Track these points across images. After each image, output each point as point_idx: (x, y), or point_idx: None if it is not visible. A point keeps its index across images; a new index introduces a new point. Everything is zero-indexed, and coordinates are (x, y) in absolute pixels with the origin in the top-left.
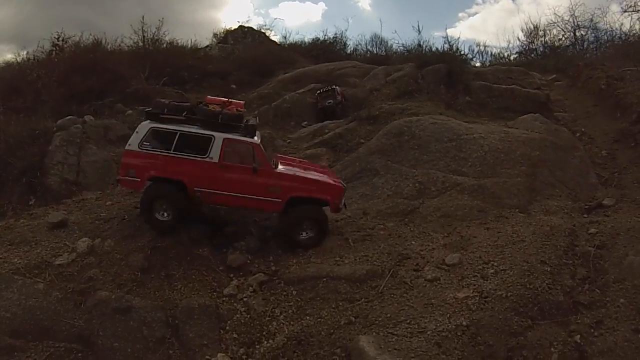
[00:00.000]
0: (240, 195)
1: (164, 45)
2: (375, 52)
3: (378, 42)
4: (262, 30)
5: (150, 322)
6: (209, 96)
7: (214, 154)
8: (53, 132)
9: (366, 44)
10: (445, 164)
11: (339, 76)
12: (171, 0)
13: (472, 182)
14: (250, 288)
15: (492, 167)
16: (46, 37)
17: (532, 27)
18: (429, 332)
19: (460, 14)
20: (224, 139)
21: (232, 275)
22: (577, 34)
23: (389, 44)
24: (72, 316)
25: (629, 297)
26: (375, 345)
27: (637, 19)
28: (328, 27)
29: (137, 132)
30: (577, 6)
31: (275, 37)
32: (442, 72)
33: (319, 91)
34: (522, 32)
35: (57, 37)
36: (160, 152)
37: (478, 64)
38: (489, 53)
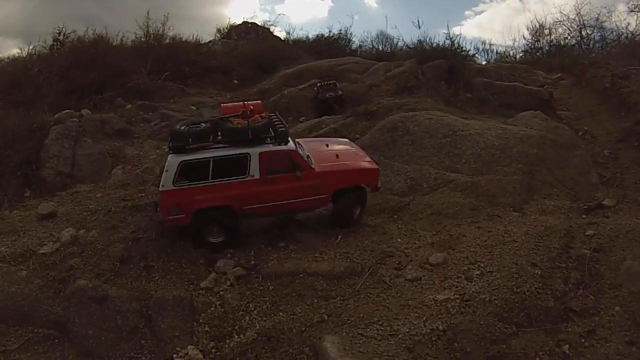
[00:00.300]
0: (288, 202)
1: (167, 40)
2: (380, 48)
3: (383, 38)
4: (266, 26)
5: (124, 312)
6: (223, 104)
7: (254, 171)
8: (50, 125)
9: (372, 40)
10: (438, 160)
11: (341, 72)
12: None
13: (466, 179)
14: (228, 282)
15: (488, 164)
16: (51, 32)
17: (537, 25)
18: (400, 335)
19: (467, 12)
20: (260, 153)
21: (211, 268)
22: (583, 33)
23: (395, 41)
24: (52, 303)
25: (625, 305)
26: (339, 346)
27: None
28: (334, 23)
29: (166, 170)
30: (583, 5)
31: (280, 33)
32: (442, 68)
33: (319, 83)
34: (528, 30)
35: (58, 32)
36: (198, 183)
37: (484, 62)
38: (495, 51)
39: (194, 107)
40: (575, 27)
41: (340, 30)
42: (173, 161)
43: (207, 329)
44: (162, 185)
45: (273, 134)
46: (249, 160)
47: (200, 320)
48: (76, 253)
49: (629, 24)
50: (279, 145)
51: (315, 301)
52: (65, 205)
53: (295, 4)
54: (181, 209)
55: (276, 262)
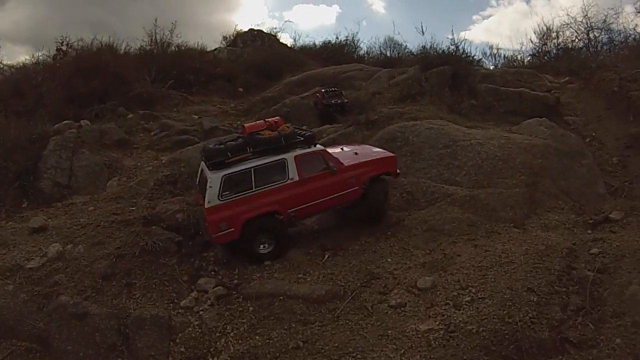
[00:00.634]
0: (327, 198)
1: (173, 48)
2: (388, 54)
3: (391, 44)
4: (273, 33)
5: (103, 329)
6: (245, 125)
7: (292, 173)
8: (50, 136)
9: (380, 46)
10: (437, 172)
11: (345, 79)
12: (186, 2)
13: (465, 192)
14: (208, 301)
15: (489, 176)
16: (59, 39)
17: (545, 28)
18: None
19: (474, 17)
20: (295, 156)
21: (193, 286)
22: (591, 35)
23: (403, 47)
24: (35, 318)
25: (627, 337)
26: None
27: None
28: (342, 30)
29: (210, 186)
30: (590, 7)
31: (287, 40)
32: (446, 75)
33: (323, 89)
34: (535, 34)
35: (61, 41)
36: (243, 194)
37: (491, 67)
38: (502, 55)
39: (195, 117)
40: (583, 29)
41: (347, 36)
42: (216, 177)
43: (182, 349)
44: (208, 202)
45: (302, 139)
46: (287, 165)
47: (177, 340)
48: (61, 269)
49: (636, 25)
50: (309, 147)
51: (293, 326)
52: (58, 218)
53: (303, 10)
54: (230, 222)
55: (258, 282)
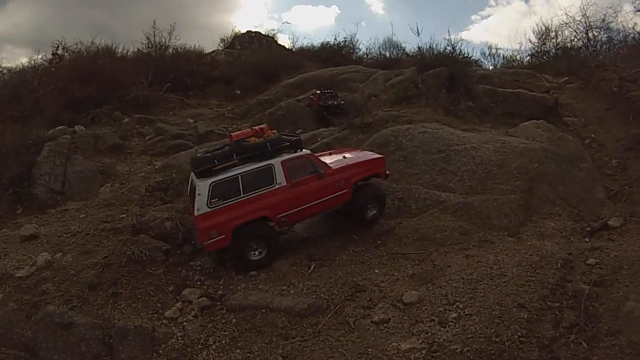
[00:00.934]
0: (317, 202)
1: (170, 50)
2: (388, 55)
3: (390, 45)
4: (271, 35)
5: (88, 339)
6: (232, 133)
7: (280, 178)
8: (45, 141)
9: (379, 47)
10: (430, 178)
11: (342, 81)
12: (185, 3)
13: (458, 199)
14: (192, 312)
15: (483, 181)
16: (59, 42)
17: (543, 28)
18: None
19: (473, 17)
20: (282, 161)
21: (178, 297)
22: (590, 34)
23: (402, 48)
24: (23, 326)
25: (622, 358)
26: None
27: None
28: (341, 31)
29: (199, 194)
30: (588, 6)
31: (285, 42)
32: (443, 76)
33: (319, 91)
34: (534, 33)
35: (57, 45)
36: (232, 200)
37: (490, 67)
38: (502, 56)
39: (191, 120)
40: (582, 28)
41: (346, 38)
42: (204, 184)
43: None
44: (197, 210)
45: (288, 144)
46: (274, 170)
47: (160, 352)
48: (49, 278)
49: (635, 24)
50: (296, 152)
51: (274, 340)
52: (50, 226)
53: (302, 11)
54: (220, 229)
55: (242, 293)
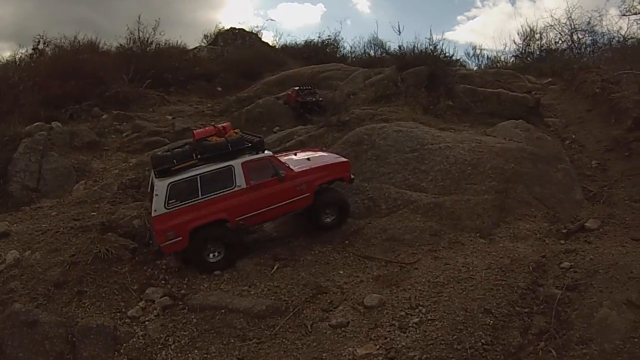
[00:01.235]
0: (278, 205)
1: (152, 46)
2: (372, 54)
3: (375, 44)
4: (254, 32)
5: (52, 337)
6: (194, 131)
7: (240, 180)
8: (22, 138)
9: (364, 46)
10: (402, 177)
11: (323, 79)
12: (171, 0)
13: (430, 199)
14: (155, 311)
15: (456, 181)
16: (46, 35)
17: (528, 30)
18: None
19: (459, 17)
20: (242, 163)
21: (142, 296)
22: (574, 37)
23: (387, 46)
24: None
25: None
26: None
27: (635, 21)
28: (326, 29)
29: (156, 194)
30: (574, 9)
31: (269, 39)
32: (423, 75)
33: (297, 87)
34: (519, 35)
35: (37, 40)
36: (190, 202)
37: (474, 67)
38: (486, 56)
39: (169, 117)
40: (567, 31)
41: (330, 36)
42: (162, 184)
43: None
44: (155, 210)
45: (250, 145)
46: (234, 172)
47: (122, 351)
48: (17, 276)
49: (620, 27)
50: (257, 154)
51: (232, 341)
52: (23, 223)
53: (288, 9)
54: (177, 231)
55: (204, 293)
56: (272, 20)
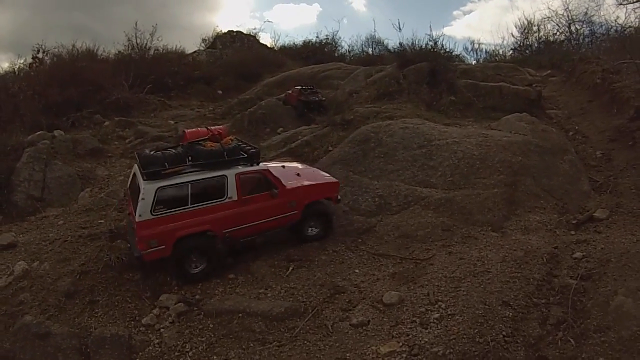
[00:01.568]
0: (266, 220)
1: (151, 51)
2: (370, 52)
3: (373, 42)
4: (252, 34)
5: (65, 349)
6: (187, 130)
7: (232, 192)
8: (24, 147)
9: (362, 44)
10: (411, 174)
11: (323, 78)
12: (167, 3)
13: (440, 195)
14: (169, 318)
15: (466, 176)
16: (44, 43)
17: (526, 22)
18: None
19: (455, 12)
20: (236, 174)
21: (156, 302)
22: (572, 28)
23: (385, 44)
24: (2, 338)
25: (612, 355)
26: None
27: (633, 10)
28: (323, 28)
29: (142, 198)
30: (571, 0)
31: (267, 41)
32: (424, 71)
33: (299, 87)
34: (516, 28)
35: (37, 49)
36: (178, 210)
37: (473, 62)
38: (484, 50)
39: (172, 122)
40: (564, 22)
41: (327, 35)
42: (150, 188)
43: None
44: (140, 215)
45: (246, 155)
46: (227, 182)
47: None
48: (26, 287)
49: (617, 17)
50: (252, 165)
51: (251, 345)
52: (29, 234)
53: (284, 10)
54: (161, 239)
55: (219, 298)
56: (269, 21)
